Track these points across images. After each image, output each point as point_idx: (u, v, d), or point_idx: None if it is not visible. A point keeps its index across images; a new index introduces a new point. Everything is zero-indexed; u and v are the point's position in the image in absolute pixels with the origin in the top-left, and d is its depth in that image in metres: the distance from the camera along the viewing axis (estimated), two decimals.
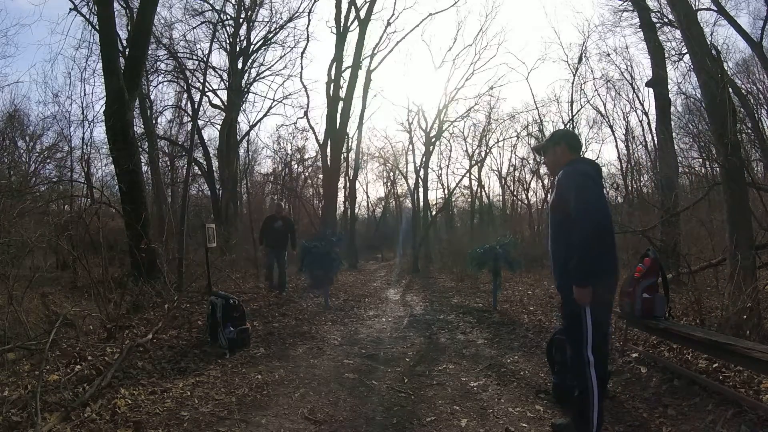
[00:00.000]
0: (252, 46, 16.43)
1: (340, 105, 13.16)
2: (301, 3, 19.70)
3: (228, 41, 16.03)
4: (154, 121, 15.35)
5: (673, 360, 3.35)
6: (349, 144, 16.78)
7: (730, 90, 5.14)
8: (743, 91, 11.43)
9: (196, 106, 14.56)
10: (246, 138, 17.68)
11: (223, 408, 2.78)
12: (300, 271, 7.63)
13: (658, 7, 10.17)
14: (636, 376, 3.23)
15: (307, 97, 21.11)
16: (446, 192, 21.66)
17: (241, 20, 15.93)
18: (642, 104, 18.34)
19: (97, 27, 8.33)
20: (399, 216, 27.15)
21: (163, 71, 14.89)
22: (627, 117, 16.86)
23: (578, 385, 2.18)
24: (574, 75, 16.39)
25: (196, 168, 16.35)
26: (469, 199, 23.78)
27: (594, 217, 2.09)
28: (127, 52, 9.32)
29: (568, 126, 16.42)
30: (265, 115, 20.21)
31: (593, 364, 2.14)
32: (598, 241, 2.08)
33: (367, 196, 30.08)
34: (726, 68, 6.49)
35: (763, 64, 10.46)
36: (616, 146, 18.52)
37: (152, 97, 15.03)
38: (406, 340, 4.72)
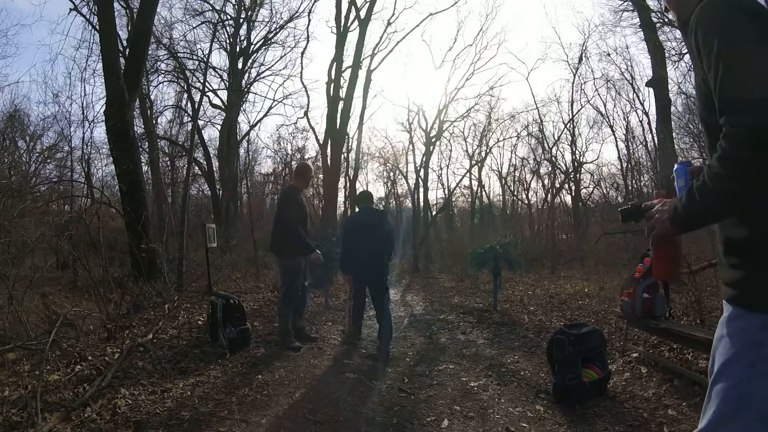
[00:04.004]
0: (252, 46, 16.46)
1: (341, 105, 13.15)
2: (301, 3, 19.76)
3: (228, 41, 16.06)
4: (154, 121, 15.39)
5: (673, 360, 3.34)
6: (350, 144, 16.78)
7: None
8: None
9: (196, 106, 14.60)
10: (246, 138, 17.73)
11: (224, 408, 2.78)
12: None
13: (658, 7, 10.18)
14: (636, 376, 3.23)
15: (308, 97, 21.14)
16: (446, 192, 21.69)
17: (241, 20, 15.95)
18: (642, 104, 18.42)
19: (97, 27, 8.36)
20: (399, 216, 27.12)
21: (163, 71, 14.94)
22: (627, 117, 16.87)
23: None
24: (575, 75, 16.43)
25: (196, 168, 16.37)
26: (470, 199, 23.78)
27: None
28: (127, 52, 9.34)
29: (568, 126, 16.45)
30: (265, 115, 20.33)
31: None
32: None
33: None
34: None
35: None
36: (617, 146, 18.52)
37: (152, 97, 15.09)
38: (407, 340, 4.72)
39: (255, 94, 23.69)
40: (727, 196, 0.97)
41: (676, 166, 1.20)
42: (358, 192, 9.65)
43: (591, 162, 18.19)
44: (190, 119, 15.71)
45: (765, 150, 0.89)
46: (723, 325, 1.07)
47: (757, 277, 1.01)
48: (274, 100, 18.78)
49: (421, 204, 17.05)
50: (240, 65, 16.25)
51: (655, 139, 12.92)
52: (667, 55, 10.66)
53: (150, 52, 11.25)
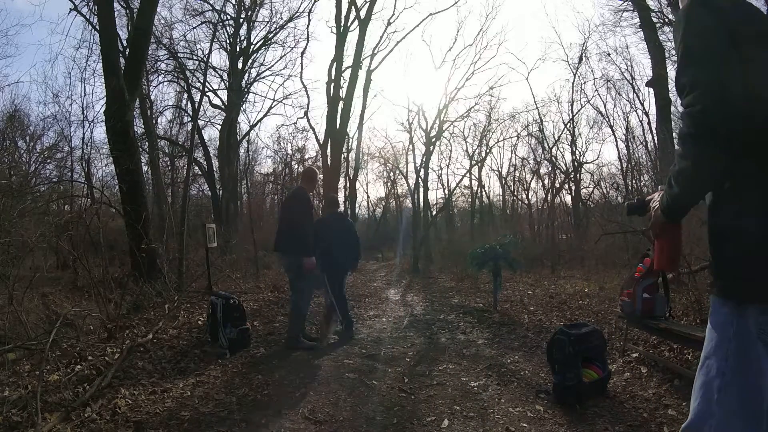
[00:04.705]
0: (252, 46, 16.47)
1: (341, 105, 13.14)
2: (301, 3, 19.79)
3: (228, 41, 16.08)
4: (154, 121, 15.41)
5: (673, 360, 3.34)
6: (350, 144, 16.84)
7: None
8: None
9: (196, 106, 14.62)
10: (246, 138, 17.78)
11: (224, 408, 2.78)
12: None
13: (658, 7, 10.19)
14: (636, 376, 3.23)
15: (307, 97, 21.24)
16: (446, 192, 21.69)
17: (241, 20, 15.96)
18: (642, 104, 18.42)
19: (97, 27, 8.38)
20: (399, 216, 27.18)
21: (163, 71, 14.97)
22: (627, 117, 16.88)
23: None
24: (575, 75, 16.45)
25: (197, 168, 16.38)
26: (470, 199, 23.80)
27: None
28: (127, 52, 9.33)
29: (568, 126, 16.46)
30: (265, 115, 20.36)
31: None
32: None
33: (368, 196, 30.19)
34: None
35: None
36: (617, 146, 18.54)
37: (152, 97, 15.12)
38: (407, 340, 4.72)
39: (255, 94, 23.73)
40: (687, 175, 1.02)
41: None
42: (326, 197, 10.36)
43: (591, 162, 18.21)
44: (190, 119, 15.74)
45: (707, 130, 0.94)
46: (709, 319, 1.09)
47: (725, 263, 1.03)
48: (274, 100, 18.83)
49: (421, 204, 17.04)
50: (240, 65, 16.28)
51: (655, 139, 12.93)
52: (667, 54, 10.66)
53: (150, 52, 11.26)
